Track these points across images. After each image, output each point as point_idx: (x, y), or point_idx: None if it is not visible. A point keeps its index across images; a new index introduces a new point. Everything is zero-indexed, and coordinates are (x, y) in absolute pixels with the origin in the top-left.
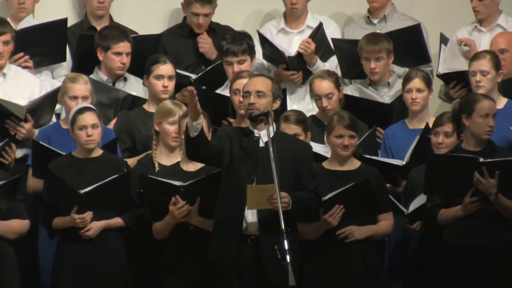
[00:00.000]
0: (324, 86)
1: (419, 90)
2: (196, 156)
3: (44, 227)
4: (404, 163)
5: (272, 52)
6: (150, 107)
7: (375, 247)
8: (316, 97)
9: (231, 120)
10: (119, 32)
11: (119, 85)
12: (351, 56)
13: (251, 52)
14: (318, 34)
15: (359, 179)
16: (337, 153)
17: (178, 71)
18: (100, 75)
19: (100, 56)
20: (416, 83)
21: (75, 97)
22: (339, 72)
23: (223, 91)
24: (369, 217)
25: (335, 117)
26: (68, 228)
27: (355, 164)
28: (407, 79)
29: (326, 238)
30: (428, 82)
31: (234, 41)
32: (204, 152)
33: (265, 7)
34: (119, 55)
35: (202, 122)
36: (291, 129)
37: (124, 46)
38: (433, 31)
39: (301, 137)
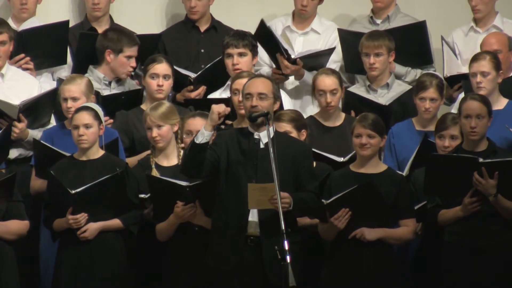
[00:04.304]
0: (330, 82)
1: (432, 100)
2: (190, 170)
3: (46, 229)
4: (404, 175)
5: (273, 45)
6: (147, 107)
7: (388, 250)
8: (321, 92)
9: (229, 122)
10: (131, 36)
11: (113, 84)
12: (355, 50)
13: (253, 49)
14: (324, 55)
15: (377, 182)
16: (358, 154)
17: (177, 68)
18: (97, 74)
19: (109, 58)
20: (431, 92)
21: (65, 99)
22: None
23: (224, 91)
24: (382, 221)
25: (358, 117)
26: (68, 230)
27: (380, 167)
28: (421, 87)
29: (337, 240)
30: (441, 90)
31: (236, 35)
32: (199, 165)
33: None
34: (130, 58)
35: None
36: (281, 127)
37: (136, 51)
38: (433, 32)
39: (293, 135)
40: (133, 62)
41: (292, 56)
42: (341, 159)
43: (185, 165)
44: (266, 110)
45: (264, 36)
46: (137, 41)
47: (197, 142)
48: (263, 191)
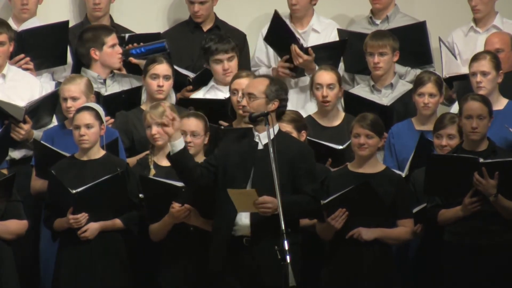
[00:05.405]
0: (328, 76)
1: (431, 95)
2: (185, 180)
3: (46, 229)
4: (404, 175)
5: (283, 38)
6: (147, 107)
7: (388, 249)
8: (318, 85)
9: (225, 124)
10: (104, 27)
11: (109, 82)
12: (355, 50)
13: (237, 49)
14: (336, 49)
15: (375, 182)
16: (356, 154)
17: (177, 68)
18: (91, 74)
19: (95, 56)
20: (429, 88)
21: (65, 98)
22: None
23: (208, 92)
24: (380, 221)
25: (357, 117)
26: (68, 230)
27: (378, 167)
28: (419, 83)
29: (336, 240)
30: (440, 86)
31: (221, 40)
32: (188, 175)
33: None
34: (114, 46)
35: (181, 143)
36: (281, 127)
37: (115, 37)
38: (433, 32)
39: (293, 135)
40: (118, 49)
41: (304, 45)
42: (340, 147)
43: (179, 177)
44: (255, 110)
45: (278, 29)
46: (112, 28)
47: (171, 154)
48: (244, 195)
